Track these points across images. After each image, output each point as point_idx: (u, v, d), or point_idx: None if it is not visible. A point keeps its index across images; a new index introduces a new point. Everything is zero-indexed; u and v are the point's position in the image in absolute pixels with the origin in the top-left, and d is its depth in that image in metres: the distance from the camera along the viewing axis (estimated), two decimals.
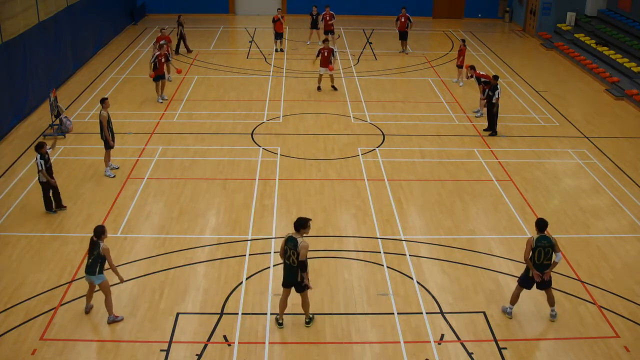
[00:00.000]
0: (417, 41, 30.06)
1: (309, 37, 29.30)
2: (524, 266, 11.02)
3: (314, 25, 28.57)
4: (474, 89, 22.55)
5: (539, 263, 10.67)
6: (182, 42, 27.09)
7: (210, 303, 11.32)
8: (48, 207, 14.15)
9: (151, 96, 21.45)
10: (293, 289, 10.57)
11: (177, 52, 26.83)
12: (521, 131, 19.46)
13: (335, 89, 22.59)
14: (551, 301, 11.02)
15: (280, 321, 10.76)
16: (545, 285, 10.85)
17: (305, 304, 10.68)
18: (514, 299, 11.09)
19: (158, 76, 20.91)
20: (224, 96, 22.05)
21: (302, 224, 10.24)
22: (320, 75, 22.53)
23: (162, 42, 21.85)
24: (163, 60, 20.91)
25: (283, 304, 10.71)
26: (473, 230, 13.90)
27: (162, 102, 21.01)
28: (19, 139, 18.21)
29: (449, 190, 15.57)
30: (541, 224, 10.77)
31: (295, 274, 10.33)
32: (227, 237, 13.43)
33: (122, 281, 10.80)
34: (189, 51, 27.23)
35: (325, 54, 21.94)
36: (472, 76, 20.40)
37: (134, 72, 24.42)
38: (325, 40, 22.67)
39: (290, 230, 10.56)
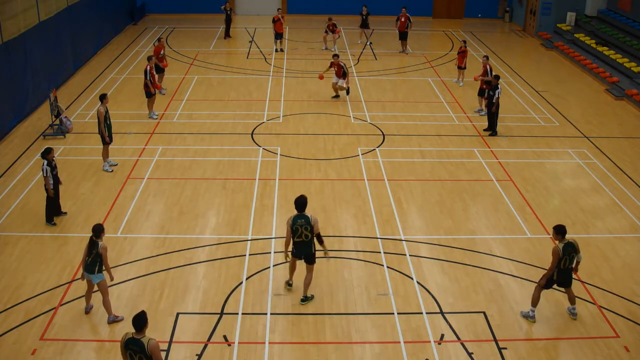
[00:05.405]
0: (417, 41, 30.05)
1: (359, 36, 29.96)
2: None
3: (364, 25, 29.35)
4: (474, 89, 22.55)
5: (564, 268, 10.60)
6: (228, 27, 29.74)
7: (210, 303, 11.32)
8: (49, 219, 13.69)
9: None
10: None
11: (229, 35, 29.91)
12: (521, 131, 19.46)
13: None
14: (572, 300, 11.00)
15: (290, 282, 11.58)
16: (567, 283, 10.81)
17: (308, 279, 11.24)
18: (535, 301, 10.93)
19: (149, 92, 19.32)
20: (224, 96, 22.04)
21: (305, 203, 10.93)
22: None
23: (162, 52, 21.51)
24: (154, 72, 19.40)
25: (293, 267, 11.49)
26: (473, 230, 13.90)
27: (155, 118, 19.56)
28: (19, 139, 18.20)
29: (449, 190, 15.57)
30: (563, 230, 10.53)
31: (309, 247, 10.99)
32: (227, 237, 13.43)
33: (112, 279, 10.88)
34: (228, 37, 29.76)
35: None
36: (485, 67, 19.98)
37: (134, 72, 24.40)
38: (336, 55, 21.41)
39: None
